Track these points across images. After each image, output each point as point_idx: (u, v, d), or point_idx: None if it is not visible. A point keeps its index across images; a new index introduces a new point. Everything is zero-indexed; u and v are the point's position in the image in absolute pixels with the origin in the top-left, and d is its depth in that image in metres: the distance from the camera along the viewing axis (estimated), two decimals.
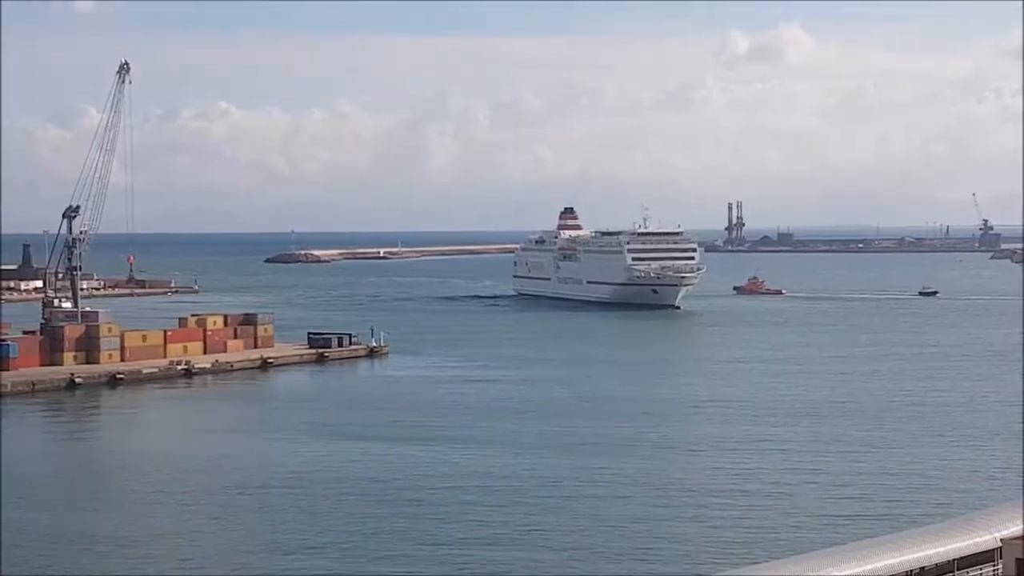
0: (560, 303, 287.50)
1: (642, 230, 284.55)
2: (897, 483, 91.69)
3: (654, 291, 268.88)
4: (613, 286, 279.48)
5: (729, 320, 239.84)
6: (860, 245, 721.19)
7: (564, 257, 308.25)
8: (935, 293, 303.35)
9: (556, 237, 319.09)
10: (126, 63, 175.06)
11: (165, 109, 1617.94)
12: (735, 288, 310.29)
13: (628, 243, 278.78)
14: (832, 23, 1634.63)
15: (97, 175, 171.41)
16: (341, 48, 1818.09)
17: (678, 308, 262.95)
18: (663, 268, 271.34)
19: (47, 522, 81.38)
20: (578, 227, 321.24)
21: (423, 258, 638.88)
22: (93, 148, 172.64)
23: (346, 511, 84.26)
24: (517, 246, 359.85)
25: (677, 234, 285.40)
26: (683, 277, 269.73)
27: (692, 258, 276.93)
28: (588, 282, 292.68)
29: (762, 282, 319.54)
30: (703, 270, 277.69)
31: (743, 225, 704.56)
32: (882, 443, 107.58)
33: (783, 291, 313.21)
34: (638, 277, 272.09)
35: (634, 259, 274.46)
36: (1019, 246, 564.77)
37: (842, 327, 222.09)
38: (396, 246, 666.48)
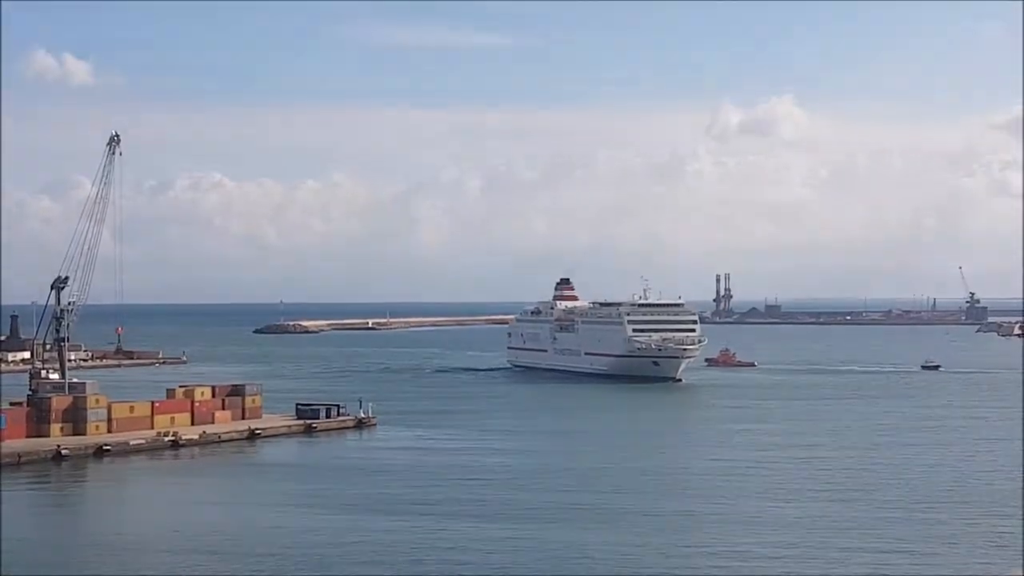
0: (557, 375, 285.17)
1: (642, 301, 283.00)
2: (890, 557, 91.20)
3: (655, 363, 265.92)
4: (613, 358, 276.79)
5: (730, 393, 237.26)
6: (848, 317, 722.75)
7: (561, 328, 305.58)
8: (938, 367, 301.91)
9: (552, 308, 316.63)
10: (116, 135, 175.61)
11: (158, 180, 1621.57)
12: (706, 360, 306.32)
13: (628, 314, 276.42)
14: (825, 97, 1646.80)
15: (86, 246, 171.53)
16: (335, 119, 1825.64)
17: (679, 381, 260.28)
18: (664, 340, 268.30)
19: None
20: (575, 298, 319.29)
21: (412, 328, 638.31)
22: (83, 219, 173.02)
23: None
24: (511, 317, 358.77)
25: (678, 306, 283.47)
26: (685, 349, 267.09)
27: (693, 330, 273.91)
28: (586, 354, 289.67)
29: (733, 354, 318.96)
30: (704, 342, 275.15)
31: (731, 297, 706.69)
32: (873, 518, 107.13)
33: (755, 363, 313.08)
34: (639, 349, 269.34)
35: (635, 331, 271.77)
36: (1005, 319, 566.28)
37: (866, 404, 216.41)
38: (385, 317, 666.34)
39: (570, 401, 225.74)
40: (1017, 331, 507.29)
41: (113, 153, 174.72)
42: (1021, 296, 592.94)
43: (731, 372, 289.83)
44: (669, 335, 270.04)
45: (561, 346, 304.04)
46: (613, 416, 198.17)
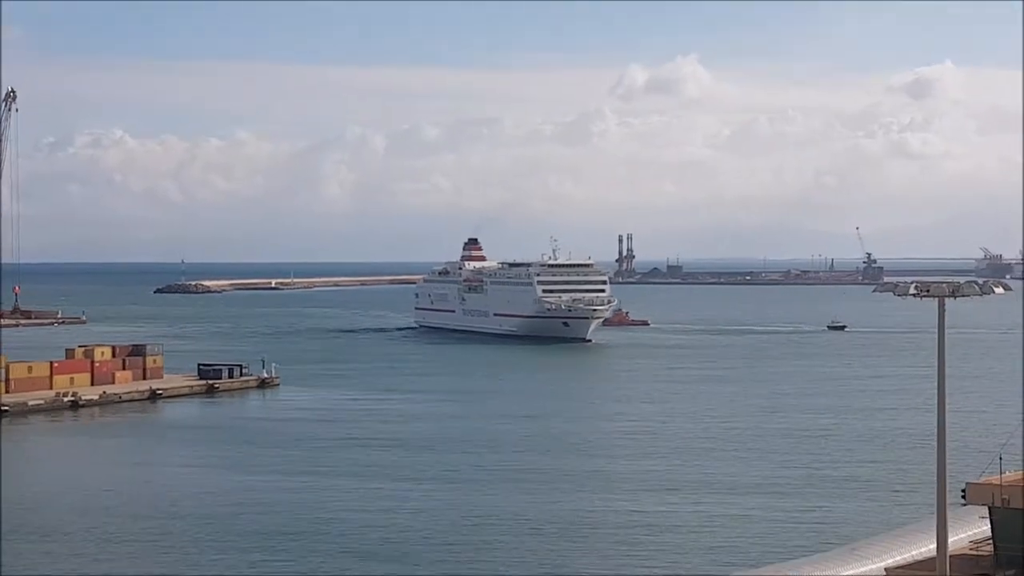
0: (465, 336, 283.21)
1: (552, 261, 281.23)
2: (784, 513, 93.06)
3: (565, 324, 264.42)
4: (522, 318, 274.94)
5: (639, 354, 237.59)
6: (747, 277, 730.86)
7: (470, 289, 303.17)
8: (844, 327, 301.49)
9: (460, 268, 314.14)
10: (12, 91, 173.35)
11: (57, 137, 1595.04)
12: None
13: (538, 275, 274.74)
14: (729, 57, 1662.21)
15: None
16: (239, 75, 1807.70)
17: (589, 341, 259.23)
18: (574, 300, 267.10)
19: None
20: (482, 258, 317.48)
21: (316, 289, 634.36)
22: None
23: (233, 543, 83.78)
24: (419, 277, 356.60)
25: (587, 266, 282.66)
26: (594, 310, 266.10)
27: (603, 290, 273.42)
28: (495, 314, 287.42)
29: (627, 313, 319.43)
30: (614, 303, 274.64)
31: (633, 257, 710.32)
32: (768, 473, 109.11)
33: (648, 322, 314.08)
34: (549, 309, 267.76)
35: (544, 291, 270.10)
36: (901, 279, 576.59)
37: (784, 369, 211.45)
38: (288, 276, 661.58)
39: (478, 361, 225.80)
40: (912, 291, 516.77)
41: (9, 109, 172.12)
42: (936, 257, 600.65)
43: (629, 332, 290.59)
44: (579, 295, 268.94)
45: (470, 306, 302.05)
46: (521, 377, 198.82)
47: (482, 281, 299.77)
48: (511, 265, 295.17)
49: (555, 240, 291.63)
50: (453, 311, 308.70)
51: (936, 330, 38.18)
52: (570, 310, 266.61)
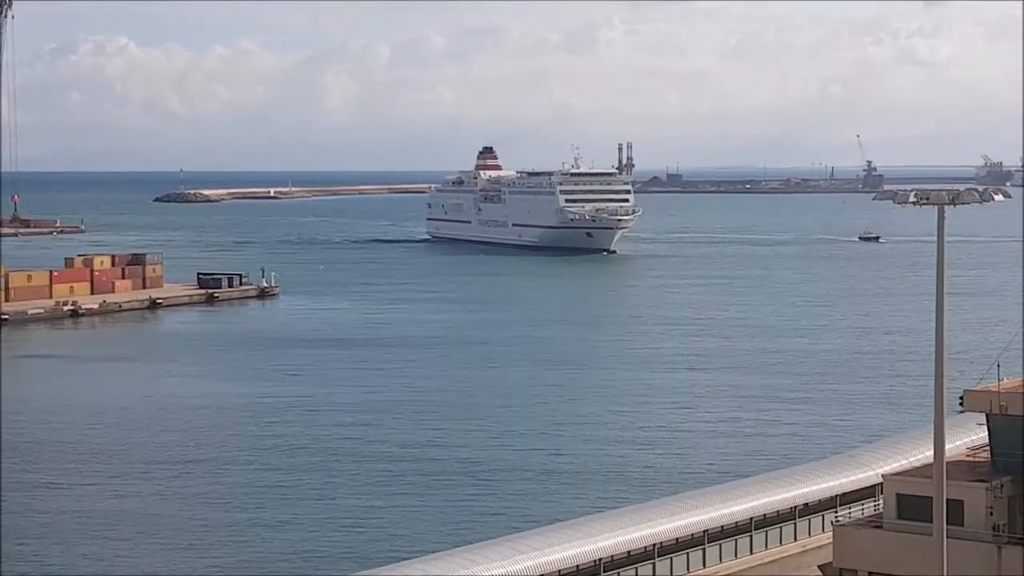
0: (482, 247, 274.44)
1: (574, 170, 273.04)
2: (785, 423, 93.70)
3: (588, 234, 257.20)
4: (543, 229, 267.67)
5: (658, 264, 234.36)
6: (747, 186, 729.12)
7: (486, 199, 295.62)
8: (877, 238, 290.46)
9: (476, 178, 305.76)
10: None
11: (59, 44, 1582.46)
12: None
13: (560, 184, 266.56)
14: None
15: None
16: None
17: (614, 252, 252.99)
18: (598, 210, 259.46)
19: None
20: (498, 167, 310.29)
21: (316, 198, 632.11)
22: None
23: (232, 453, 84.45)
24: (425, 186, 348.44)
25: (611, 175, 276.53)
26: (619, 220, 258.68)
27: (627, 200, 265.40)
28: (514, 225, 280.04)
29: None
30: (639, 212, 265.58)
31: (632, 166, 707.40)
32: (773, 386, 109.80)
33: None
34: (572, 220, 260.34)
35: (567, 200, 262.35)
36: (901, 187, 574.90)
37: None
38: (287, 186, 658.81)
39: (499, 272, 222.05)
40: (912, 199, 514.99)
41: (4, 16, 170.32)
42: (936, 165, 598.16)
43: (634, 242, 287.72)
44: (603, 205, 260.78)
45: (486, 217, 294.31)
46: (558, 288, 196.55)
47: (500, 191, 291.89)
48: (530, 174, 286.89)
49: (577, 148, 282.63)
50: (469, 221, 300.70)
51: (936, 238, 37.74)
52: (594, 220, 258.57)
